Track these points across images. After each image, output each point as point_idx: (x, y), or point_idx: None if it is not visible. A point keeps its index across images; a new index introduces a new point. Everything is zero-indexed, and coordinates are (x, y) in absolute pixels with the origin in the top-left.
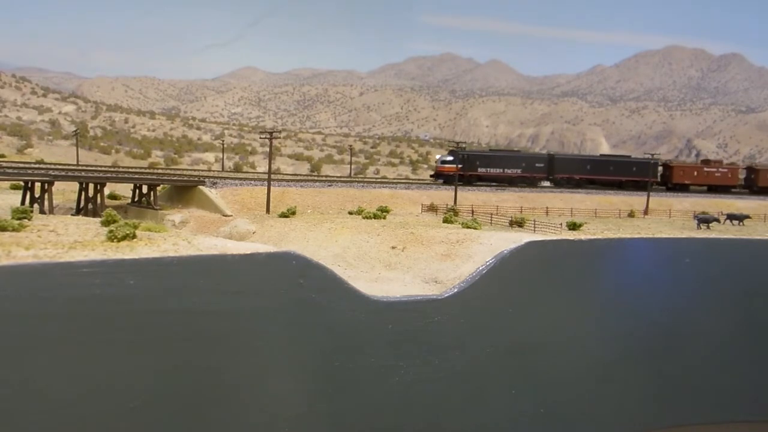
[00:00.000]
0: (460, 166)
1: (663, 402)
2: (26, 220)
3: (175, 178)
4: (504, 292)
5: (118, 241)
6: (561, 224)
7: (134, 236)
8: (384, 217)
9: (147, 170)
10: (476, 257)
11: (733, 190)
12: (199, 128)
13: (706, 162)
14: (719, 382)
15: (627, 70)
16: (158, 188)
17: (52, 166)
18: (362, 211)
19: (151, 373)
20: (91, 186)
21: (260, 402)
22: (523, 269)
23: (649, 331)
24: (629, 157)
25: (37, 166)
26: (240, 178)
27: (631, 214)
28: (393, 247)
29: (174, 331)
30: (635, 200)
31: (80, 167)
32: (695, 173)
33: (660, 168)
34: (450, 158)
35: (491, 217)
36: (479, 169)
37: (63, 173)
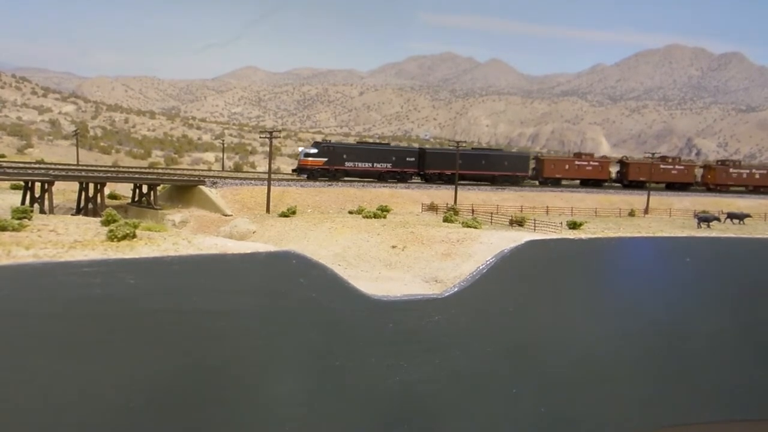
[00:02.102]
0: (325, 159)
1: (663, 401)
2: (26, 220)
3: (175, 177)
4: (504, 291)
5: (119, 240)
6: (561, 223)
7: (134, 236)
8: (384, 217)
9: (147, 170)
10: (477, 256)
11: (605, 183)
12: (199, 128)
13: (578, 155)
14: (719, 380)
15: (627, 69)
16: (158, 188)
17: (53, 166)
18: (362, 210)
19: (152, 372)
20: (91, 186)
21: (260, 401)
22: (524, 268)
23: (649, 330)
24: (501, 150)
25: (37, 166)
26: (240, 178)
27: (631, 213)
28: (393, 247)
29: (174, 330)
30: (635, 199)
31: (80, 167)
32: (566, 167)
33: (532, 162)
34: (314, 151)
35: (491, 216)
36: (347, 164)
37: (63, 173)
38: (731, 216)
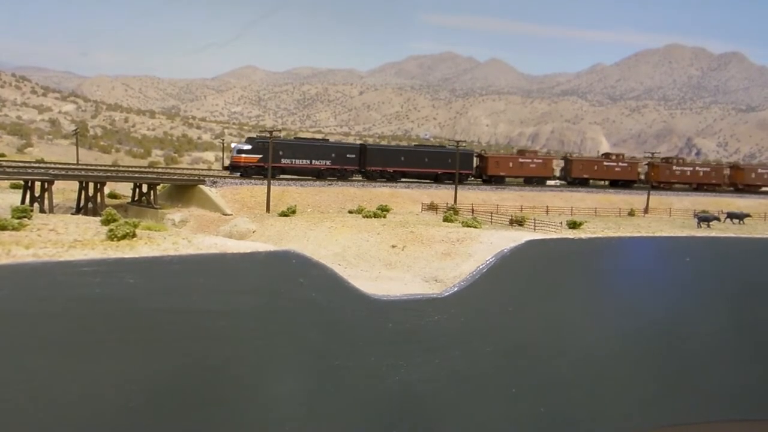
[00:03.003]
0: (260, 156)
1: (663, 401)
2: (26, 219)
3: (175, 177)
4: (504, 290)
5: (118, 240)
6: (561, 223)
7: (134, 235)
8: (384, 216)
9: (147, 169)
10: (476, 256)
11: (548, 182)
12: (199, 127)
13: (522, 153)
14: (719, 380)
15: (627, 68)
16: (158, 187)
17: (52, 166)
18: (362, 210)
19: (151, 372)
20: (91, 185)
21: (260, 401)
22: (524, 268)
23: (649, 329)
24: (445, 147)
25: (37, 165)
26: (240, 178)
27: (631, 213)
28: (393, 246)
29: (174, 330)
30: (635, 199)
31: (80, 166)
32: (510, 164)
33: (476, 159)
34: (248, 147)
35: (491, 216)
36: (283, 160)
37: (63, 172)
38: (731, 216)
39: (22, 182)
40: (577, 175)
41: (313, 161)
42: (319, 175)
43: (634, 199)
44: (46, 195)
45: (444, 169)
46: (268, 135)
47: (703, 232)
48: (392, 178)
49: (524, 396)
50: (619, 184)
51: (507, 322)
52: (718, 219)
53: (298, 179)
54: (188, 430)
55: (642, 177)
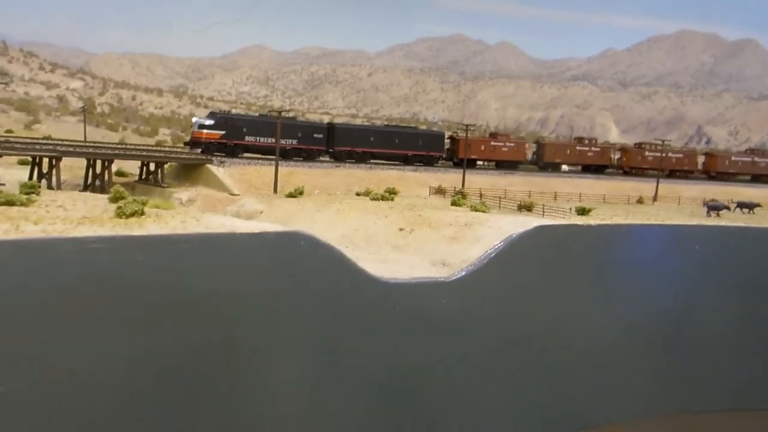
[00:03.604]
0: (222, 132)
1: (669, 390)
2: (34, 195)
3: (182, 156)
4: (512, 275)
5: (127, 217)
6: (570, 209)
7: (143, 213)
8: (392, 199)
9: (155, 148)
10: (484, 240)
11: (520, 166)
12: (206, 106)
13: (494, 136)
14: (726, 370)
15: (639, 54)
16: (166, 166)
17: (60, 142)
18: (370, 192)
19: (158, 351)
20: (98, 162)
21: (266, 382)
22: (532, 253)
23: (657, 318)
24: (416, 128)
25: (44, 141)
26: (247, 158)
27: (639, 201)
28: (401, 229)
29: (181, 309)
30: (644, 186)
31: (88, 143)
32: (482, 147)
33: (447, 141)
34: (210, 122)
35: (499, 201)
36: (247, 138)
37: (71, 149)
38: (741, 205)
39: (29, 158)
40: (549, 159)
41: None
42: (283, 154)
43: (643, 186)
44: (53, 171)
45: (415, 150)
46: (229, 111)
47: (712, 221)
48: (361, 159)
49: (530, 382)
50: (592, 169)
51: (514, 307)
52: (728, 208)
53: (303, 161)
54: (195, 409)
55: (614, 162)
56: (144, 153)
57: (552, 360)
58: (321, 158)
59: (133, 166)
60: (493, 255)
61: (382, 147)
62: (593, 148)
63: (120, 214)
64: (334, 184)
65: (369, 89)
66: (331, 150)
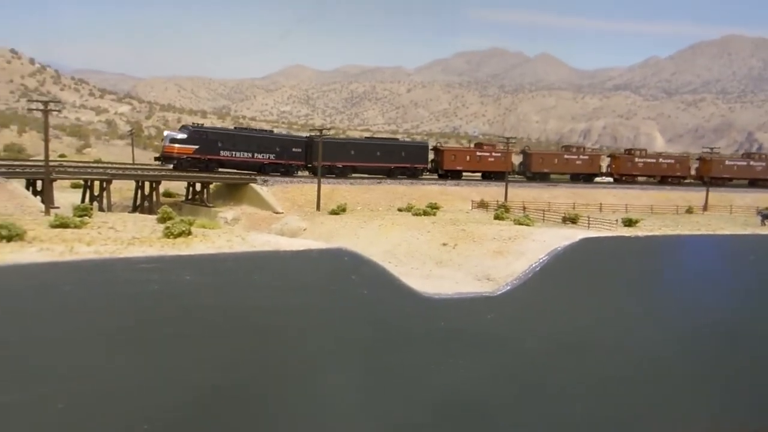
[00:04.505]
0: (196, 147)
1: (723, 406)
2: (87, 218)
3: (227, 176)
4: (558, 289)
5: (175, 237)
6: (616, 221)
7: (190, 233)
8: (434, 214)
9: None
10: (529, 254)
11: (509, 176)
12: (249, 126)
13: (479, 146)
14: None
15: (683, 61)
16: (211, 186)
17: (110, 165)
18: (412, 207)
19: (205, 367)
20: (147, 184)
21: (310, 397)
22: (578, 266)
23: (709, 331)
24: (398, 140)
25: (95, 165)
26: (289, 176)
27: (689, 210)
28: (444, 244)
29: (228, 326)
30: (693, 196)
31: (136, 166)
32: (467, 158)
33: (431, 153)
34: (182, 136)
35: (543, 214)
36: (222, 153)
37: (120, 172)
38: None
39: (81, 182)
40: (537, 169)
41: (256, 155)
42: (261, 169)
43: (692, 196)
44: (104, 194)
45: (398, 163)
46: (202, 125)
47: (767, 230)
48: (342, 173)
49: (577, 397)
50: (581, 178)
51: (560, 321)
52: None
53: (346, 178)
54: (240, 425)
55: (603, 170)
56: (190, 174)
57: (599, 374)
58: (300, 173)
59: (179, 187)
60: (538, 269)
61: (363, 160)
62: (582, 156)
63: (168, 234)
64: (376, 200)
65: (408, 105)
66: (310, 165)
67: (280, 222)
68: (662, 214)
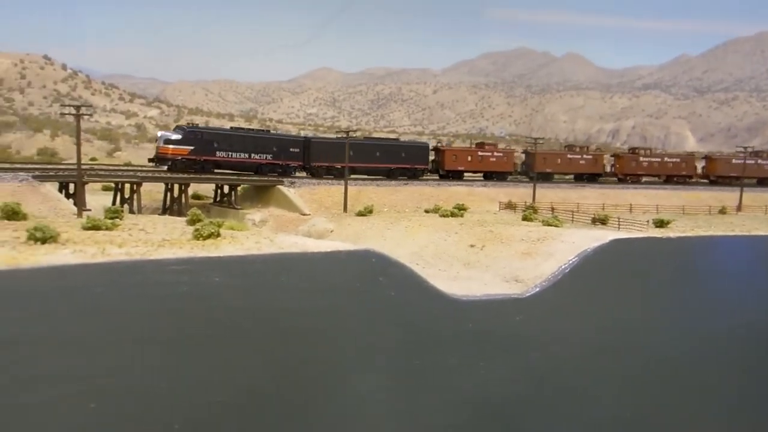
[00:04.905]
0: (191, 147)
1: (756, 409)
2: (118, 220)
3: (254, 178)
4: (588, 291)
5: (204, 239)
6: (647, 221)
7: (219, 235)
8: (461, 215)
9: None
10: (558, 256)
11: (509, 177)
12: (276, 129)
13: (481, 145)
14: None
15: (714, 59)
16: (239, 188)
17: (140, 168)
18: (439, 209)
19: (234, 368)
20: (176, 186)
21: (339, 399)
22: (608, 268)
23: (743, 333)
24: (397, 140)
25: (125, 168)
26: (316, 178)
27: (722, 211)
28: (471, 246)
29: (257, 327)
30: (726, 196)
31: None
32: (469, 158)
33: (432, 153)
34: (177, 137)
35: (572, 215)
36: (218, 153)
37: (150, 174)
38: None
39: (112, 184)
40: (540, 169)
41: (253, 155)
42: (258, 170)
43: (725, 196)
44: (134, 196)
45: (398, 164)
46: (197, 125)
47: None
48: (340, 174)
49: (607, 400)
50: (585, 178)
51: (590, 323)
52: None
53: (371, 179)
54: (270, 425)
55: (609, 170)
56: (218, 176)
57: (630, 376)
58: (298, 174)
59: (207, 189)
60: (567, 270)
61: (362, 161)
62: (585, 156)
63: (197, 236)
64: (403, 202)
65: (434, 106)
66: (307, 166)
67: (307, 224)
68: (694, 215)
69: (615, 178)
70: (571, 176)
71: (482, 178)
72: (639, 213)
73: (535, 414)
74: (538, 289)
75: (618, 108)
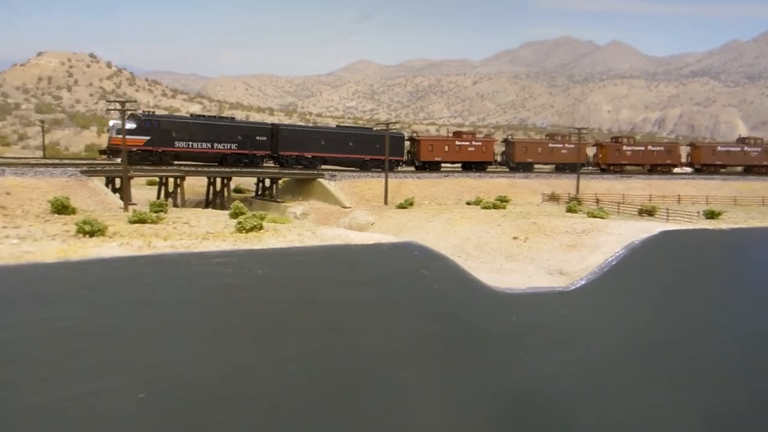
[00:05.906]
0: (147, 138)
1: None
2: (163, 213)
3: (295, 171)
4: (636, 284)
5: (247, 232)
6: (697, 212)
7: (261, 227)
8: (504, 207)
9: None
10: (604, 248)
11: (489, 167)
12: (315, 123)
13: (458, 134)
14: None
15: (767, 44)
16: (280, 181)
17: (183, 163)
18: (480, 201)
19: (277, 361)
20: (218, 180)
21: (383, 392)
22: (657, 261)
23: None
24: (371, 129)
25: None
26: (357, 171)
27: None
28: (515, 238)
29: (300, 319)
30: None
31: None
32: (446, 148)
33: (407, 143)
34: (132, 126)
35: (618, 206)
36: (177, 144)
37: (193, 169)
38: None
39: (157, 179)
40: (520, 159)
41: (215, 145)
42: (222, 161)
43: None
44: (178, 190)
45: (372, 154)
46: (154, 113)
47: None
48: (311, 164)
49: (655, 395)
50: (567, 168)
51: (638, 317)
52: None
53: (412, 172)
54: (313, 418)
55: (590, 159)
56: (259, 170)
57: (679, 370)
58: (265, 164)
59: (249, 183)
60: (614, 263)
61: (333, 151)
62: (567, 145)
63: (240, 229)
64: (444, 194)
65: (474, 98)
66: (275, 155)
67: (348, 216)
68: (747, 206)
69: (598, 168)
70: (553, 166)
71: (461, 169)
72: (687, 204)
73: (582, 407)
74: (583, 282)
75: (664, 96)
